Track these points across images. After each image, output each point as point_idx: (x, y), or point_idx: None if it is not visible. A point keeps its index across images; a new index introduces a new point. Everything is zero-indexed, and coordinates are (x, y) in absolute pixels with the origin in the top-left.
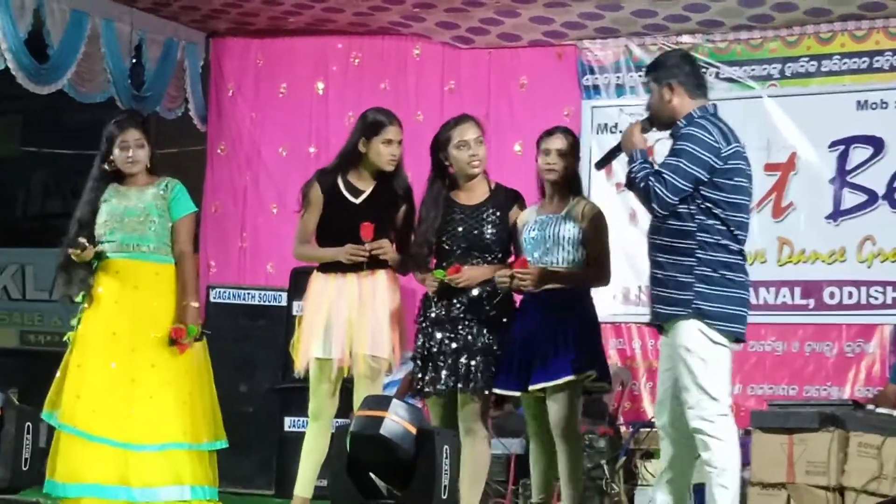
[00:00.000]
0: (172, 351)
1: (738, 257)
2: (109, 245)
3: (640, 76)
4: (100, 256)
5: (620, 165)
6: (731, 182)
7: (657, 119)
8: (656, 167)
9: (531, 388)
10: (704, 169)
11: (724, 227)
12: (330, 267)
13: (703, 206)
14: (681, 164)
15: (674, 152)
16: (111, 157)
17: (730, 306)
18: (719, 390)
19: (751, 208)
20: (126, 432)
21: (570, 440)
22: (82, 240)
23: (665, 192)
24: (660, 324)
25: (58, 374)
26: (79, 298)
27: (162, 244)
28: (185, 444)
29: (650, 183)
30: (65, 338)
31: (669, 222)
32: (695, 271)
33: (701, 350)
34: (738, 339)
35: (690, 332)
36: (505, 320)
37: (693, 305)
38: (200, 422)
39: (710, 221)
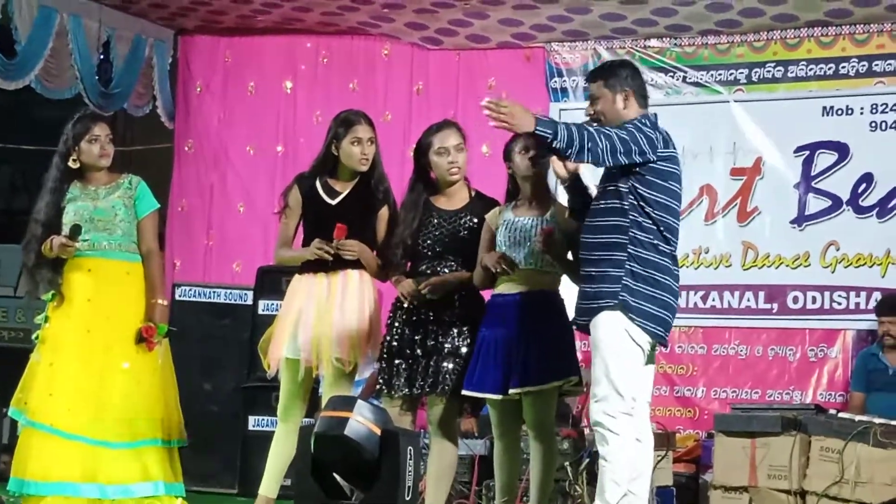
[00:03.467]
0: (142, 349)
1: (668, 260)
2: (80, 244)
3: None
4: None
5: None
6: (665, 184)
7: (604, 124)
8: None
9: (512, 391)
10: (636, 147)
11: (654, 228)
12: (305, 267)
13: (637, 203)
14: (613, 132)
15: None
16: (76, 155)
17: (654, 307)
18: (627, 388)
19: (680, 214)
20: (100, 430)
21: (548, 441)
22: (70, 243)
23: (604, 143)
24: (586, 321)
25: (25, 372)
26: (47, 297)
27: (130, 242)
28: (158, 440)
29: (590, 134)
30: (33, 336)
31: (603, 218)
32: (625, 266)
33: (618, 344)
34: (659, 342)
35: (611, 324)
36: (474, 322)
37: (619, 297)
38: (170, 419)
39: (642, 219)
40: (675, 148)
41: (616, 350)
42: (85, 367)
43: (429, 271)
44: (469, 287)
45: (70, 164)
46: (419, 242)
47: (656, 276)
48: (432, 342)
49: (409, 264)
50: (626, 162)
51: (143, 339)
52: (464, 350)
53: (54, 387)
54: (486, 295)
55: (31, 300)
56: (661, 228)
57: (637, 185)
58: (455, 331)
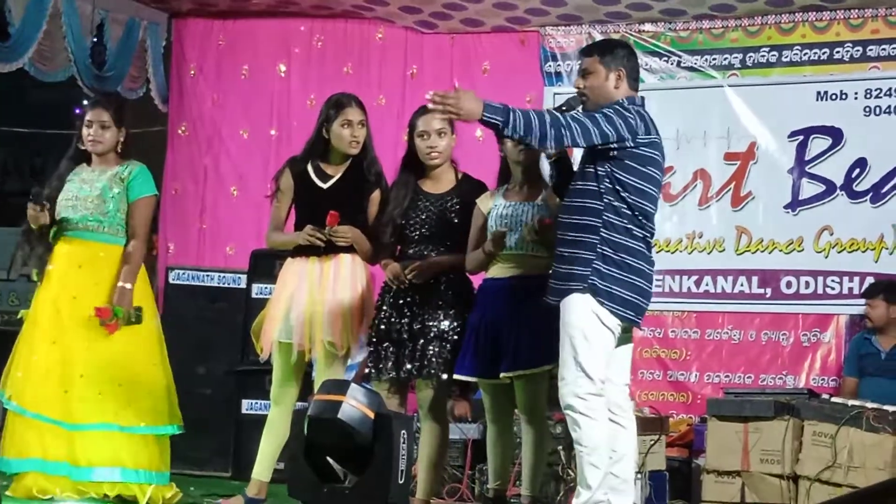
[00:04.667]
0: (105, 332)
1: (642, 244)
2: (66, 223)
3: None
4: (56, 234)
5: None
6: (643, 169)
7: (590, 100)
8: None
9: (503, 375)
10: (612, 130)
11: (629, 213)
12: (297, 251)
13: (613, 187)
14: (586, 117)
15: (583, 113)
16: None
17: (624, 290)
18: (596, 370)
19: (658, 200)
20: (60, 410)
21: (540, 425)
22: (40, 206)
23: (574, 126)
24: (556, 301)
25: (11, 354)
26: (34, 277)
27: (115, 225)
28: (116, 425)
29: (554, 119)
30: (19, 315)
31: (580, 200)
32: (597, 249)
33: (587, 327)
34: (632, 325)
35: (580, 307)
36: (461, 306)
37: (589, 281)
38: (142, 405)
39: (617, 203)
40: (657, 133)
41: (584, 332)
42: (51, 347)
43: (416, 255)
44: (457, 270)
45: (79, 145)
46: (407, 226)
47: (628, 261)
48: (419, 325)
49: (398, 248)
50: (600, 143)
51: (101, 321)
52: (451, 333)
53: (26, 366)
54: (474, 279)
55: (28, 280)
56: (637, 213)
57: (614, 169)
58: (442, 314)
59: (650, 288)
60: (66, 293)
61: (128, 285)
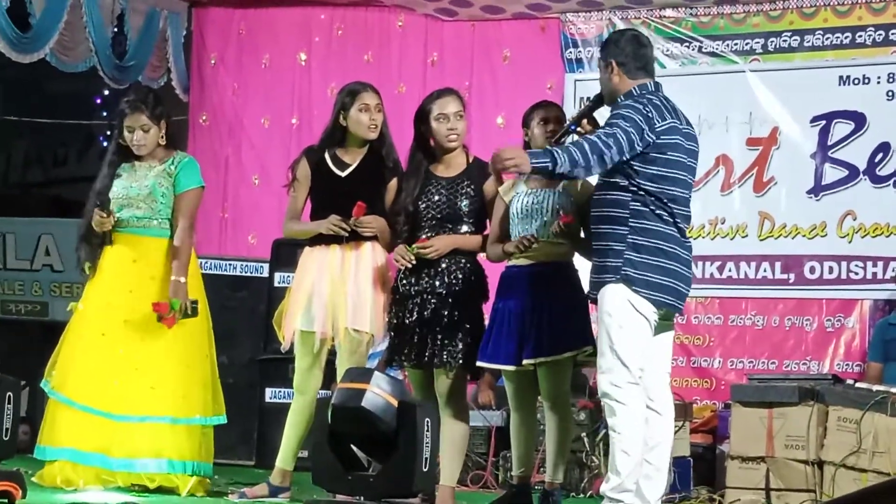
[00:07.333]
0: (163, 325)
1: (674, 229)
2: (118, 221)
3: None
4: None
5: None
6: (665, 156)
7: (605, 96)
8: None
9: (526, 362)
10: (637, 134)
11: (657, 200)
12: (316, 240)
13: (635, 177)
14: (615, 130)
15: (607, 124)
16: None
17: (658, 276)
18: (632, 358)
19: (691, 183)
20: (109, 402)
21: (563, 412)
22: (107, 213)
23: (608, 151)
24: (595, 295)
25: (58, 345)
26: (86, 271)
27: (163, 219)
28: (168, 417)
29: (592, 144)
30: (68, 308)
31: (607, 192)
32: (627, 240)
33: (621, 316)
34: (671, 310)
35: (615, 297)
36: (475, 294)
37: (622, 272)
38: (193, 396)
39: (643, 194)
40: (675, 116)
41: (619, 321)
42: (101, 340)
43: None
44: (470, 251)
45: (121, 142)
46: (419, 210)
47: (661, 246)
48: (431, 314)
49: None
50: (630, 156)
51: (159, 316)
52: (466, 322)
53: (74, 358)
54: (489, 267)
55: (72, 272)
56: (665, 200)
57: (634, 162)
58: (456, 302)
59: (688, 272)
60: (121, 287)
61: (182, 278)
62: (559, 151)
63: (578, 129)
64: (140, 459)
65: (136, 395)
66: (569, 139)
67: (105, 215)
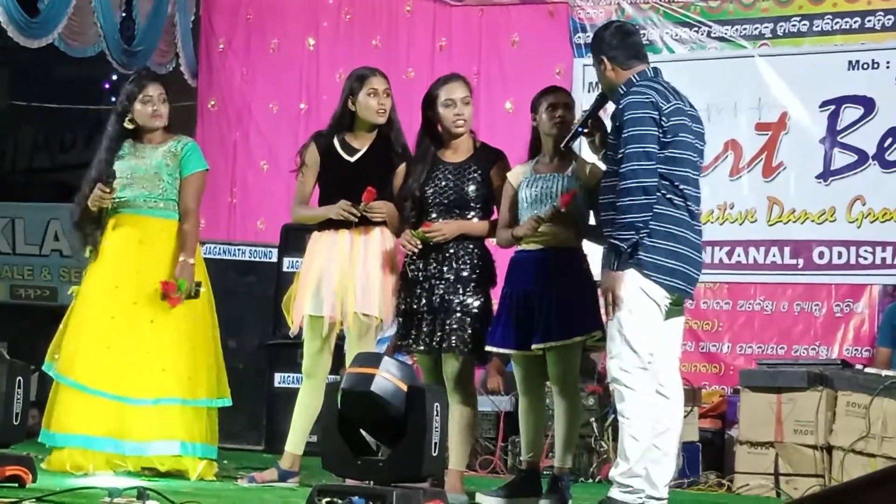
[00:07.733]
0: (170, 307)
1: (685, 213)
2: (120, 201)
3: None
4: (109, 212)
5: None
6: (675, 138)
7: (605, 90)
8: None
9: (534, 347)
10: (654, 127)
11: (667, 182)
12: (325, 225)
13: None
14: (633, 143)
15: (623, 140)
16: (131, 114)
17: (669, 260)
18: (642, 343)
19: (699, 165)
20: (121, 386)
21: (572, 397)
22: (110, 188)
23: (645, 176)
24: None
25: (60, 327)
26: (87, 254)
27: (170, 201)
28: (179, 399)
29: (632, 172)
30: (69, 291)
31: (616, 179)
32: None
33: (631, 301)
34: (681, 295)
35: (626, 282)
36: (483, 279)
37: (634, 257)
38: (200, 378)
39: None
40: (679, 99)
41: (629, 306)
42: (109, 323)
43: None
44: (477, 236)
45: (126, 124)
46: (426, 196)
47: (672, 230)
48: (440, 299)
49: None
50: (659, 148)
51: (164, 295)
52: (474, 307)
53: (80, 342)
54: (498, 252)
55: (78, 257)
56: (677, 182)
57: None
58: (462, 287)
59: (699, 257)
60: (127, 269)
61: (190, 259)
62: (620, 229)
63: (585, 130)
64: (152, 442)
65: (149, 377)
66: (576, 142)
67: (108, 191)
